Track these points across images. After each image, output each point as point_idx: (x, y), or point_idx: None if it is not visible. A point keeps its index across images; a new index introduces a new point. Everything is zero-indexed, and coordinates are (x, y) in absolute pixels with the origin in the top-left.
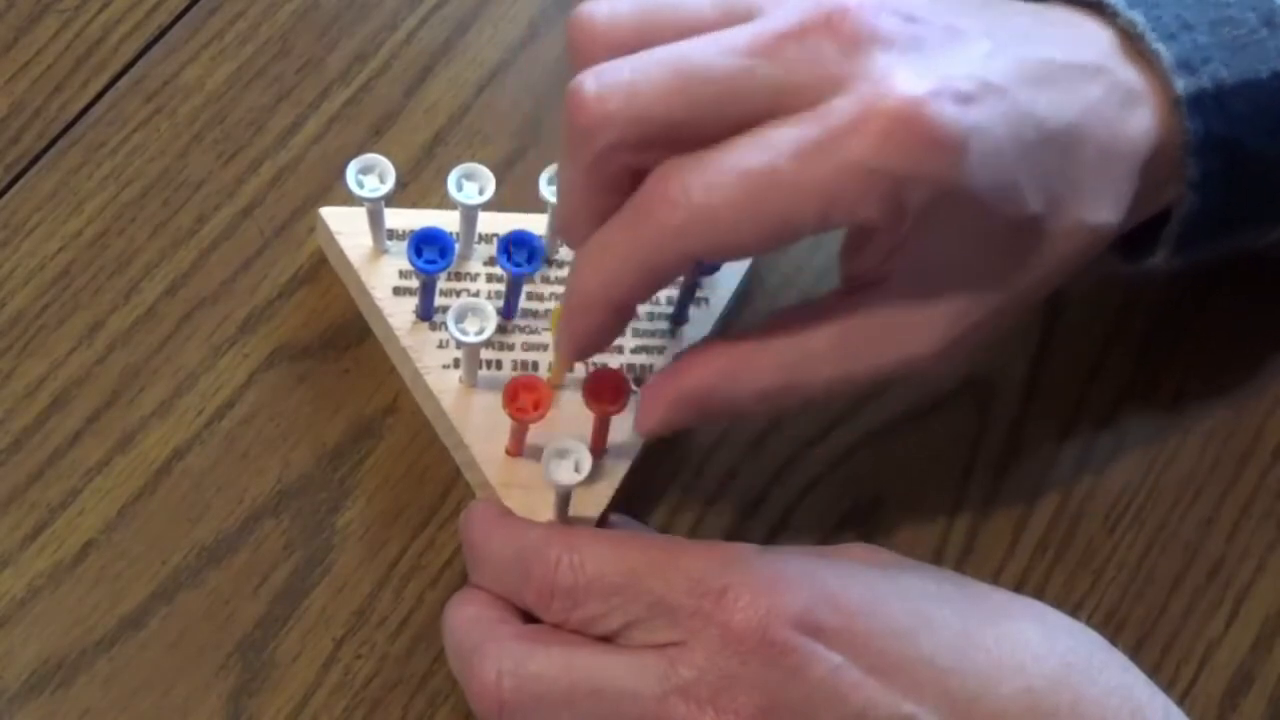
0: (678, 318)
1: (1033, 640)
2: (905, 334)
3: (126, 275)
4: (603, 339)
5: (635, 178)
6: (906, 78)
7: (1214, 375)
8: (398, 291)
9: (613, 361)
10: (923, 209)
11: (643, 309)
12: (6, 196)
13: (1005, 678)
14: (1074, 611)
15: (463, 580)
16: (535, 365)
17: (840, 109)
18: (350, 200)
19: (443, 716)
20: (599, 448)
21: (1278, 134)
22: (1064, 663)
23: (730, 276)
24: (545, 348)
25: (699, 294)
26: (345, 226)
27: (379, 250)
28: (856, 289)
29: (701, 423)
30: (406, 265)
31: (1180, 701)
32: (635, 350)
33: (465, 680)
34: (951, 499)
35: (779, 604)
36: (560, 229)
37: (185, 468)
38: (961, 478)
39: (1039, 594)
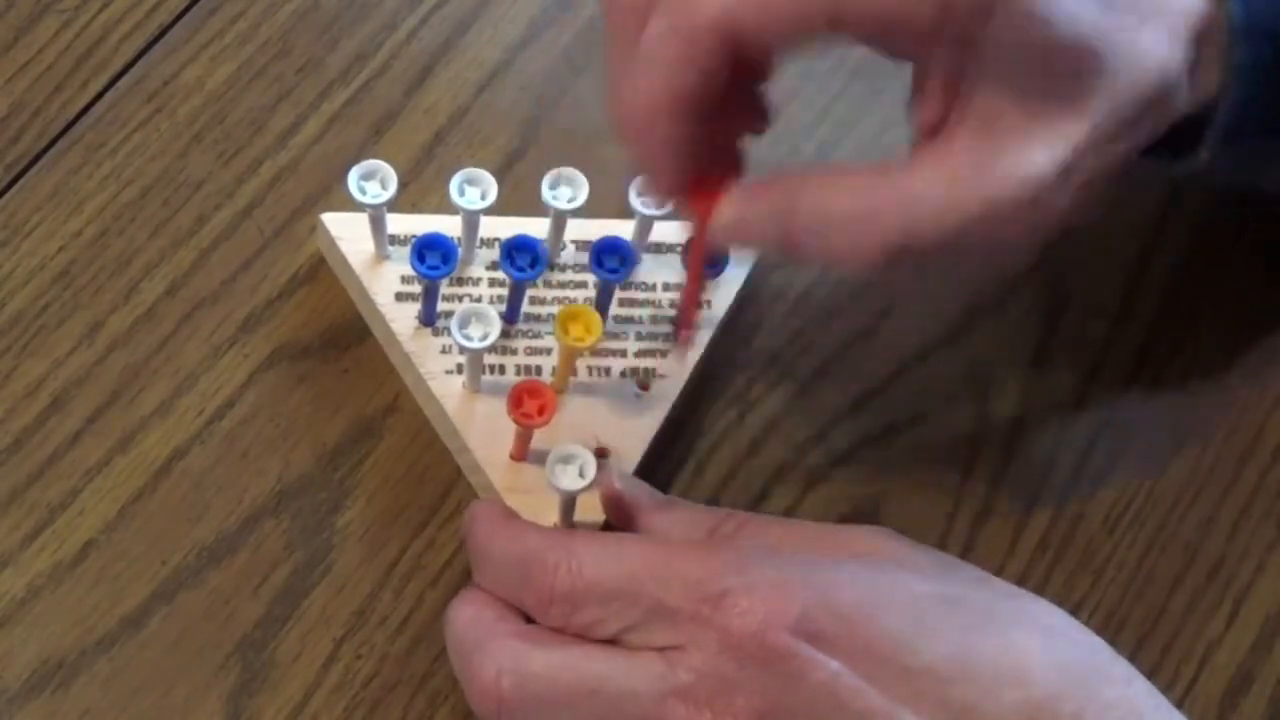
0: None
1: (1036, 650)
2: (1007, 158)
3: (126, 275)
4: (676, 154)
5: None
6: None
7: (1214, 375)
8: (400, 297)
9: (616, 365)
10: (971, 13)
11: (645, 312)
12: (6, 196)
13: (1006, 688)
14: (1074, 611)
15: (463, 580)
16: (539, 370)
17: None
18: (350, 201)
19: (443, 716)
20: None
21: None
22: (1067, 674)
23: (733, 280)
24: (549, 352)
25: (701, 297)
26: (346, 232)
27: (381, 256)
28: (932, 136)
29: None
30: (408, 271)
31: (1180, 701)
32: (639, 354)
33: (465, 679)
34: (951, 499)
35: (777, 609)
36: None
37: (185, 468)
38: (961, 478)
39: (1039, 594)
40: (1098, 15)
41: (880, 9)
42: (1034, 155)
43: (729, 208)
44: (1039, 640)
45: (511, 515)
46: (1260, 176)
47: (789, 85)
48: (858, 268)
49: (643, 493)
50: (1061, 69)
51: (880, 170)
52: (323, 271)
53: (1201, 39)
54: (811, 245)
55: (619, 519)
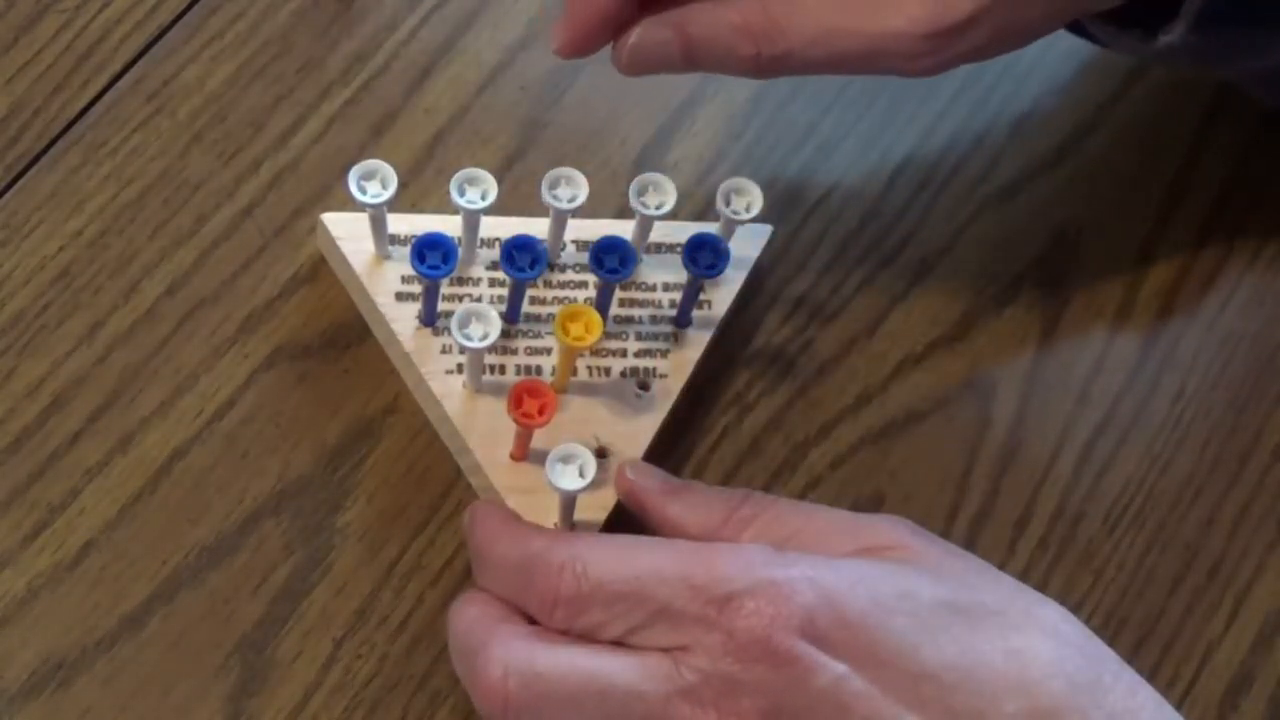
0: (680, 321)
1: (1042, 657)
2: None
3: (126, 275)
4: (604, 22)
5: None
6: None
7: (1214, 375)
8: (400, 297)
9: (616, 365)
10: None
11: (645, 312)
12: (6, 196)
13: (1010, 696)
14: (1074, 611)
15: (463, 579)
16: (539, 369)
17: None
18: (351, 201)
19: (443, 716)
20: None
21: None
22: (1072, 683)
23: (732, 279)
24: (549, 351)
25: (701, 297)
26: (347, 232)
27: (381, 256)
28: None
29: (673, 63)
30: (409, 271)
31: (1180, 701)
32: (639, 354)
33: (470, 679)
34: (951, 499)
35: (783, 612)
36: None
37: (185, 468)
38: (961, 478)
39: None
40: None
41: None
42: (922, 5)
43: (633, 37)
44: (1046, 648)
45: (514, 517)
46: (1228, 64)
47: (787, 86)
48: (743, 73)
49: (656, 480)
50: None
51: None
52: (323, 271)
53: None
54: (706, 56)
55: (634, 508)
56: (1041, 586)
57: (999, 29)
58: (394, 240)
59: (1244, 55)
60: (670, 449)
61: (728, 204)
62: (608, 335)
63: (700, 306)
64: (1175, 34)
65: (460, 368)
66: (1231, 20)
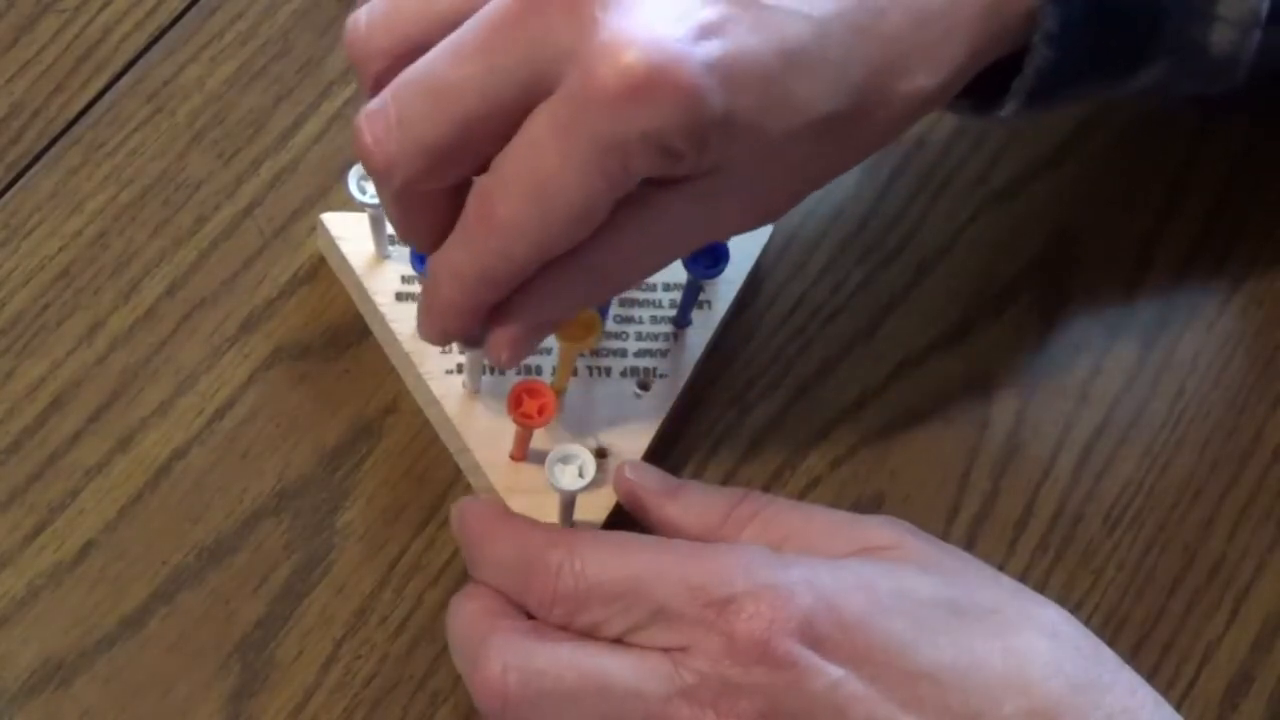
0: (680, 321)
1: (1040, 657)
2: (723, 218)
3: (126, 275)
4: (463, 334)
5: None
6: (631, 32)
7: (1214, 376)
8: (400, 297)
9: (616, 365)
10: (699, 142)
11: (645, 312)
12: (6, 196)
13: (1008, 696)
14: (1074, 611)
15: (463, 579)
16: (539, 369)
17: (577, 84)
18: (351, 201)
19: (443, 716)
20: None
21: None
22: (1070, 683)
23: (732, 279)
24: (549, 352)
25: (701, 297)
26: (346, 232)
27: (381, 256)
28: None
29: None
30: (408, 271)
31: (1180, 701)
32: (639, 354)
33: (469, 675)
34: (951, 499)
35: (782, 615)
36: (403, 242)
37: (185, 468)
38: (961, 478)
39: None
40: (837, 85)
41: (625, 183)
42: (754, 212)
43: (505, 356)
44: (1043, 647)
45: (505, 512)
46: (1075, 105)
47: None
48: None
49: (654, 480)
50: (805, 139)
51: (599, 248)
52: (323, 271)
53: (995, 9)
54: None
55: (633, 508)
56: (1041, 587)
57: (828, 180)
58: (394, 240)
59: (1088, 100)
60: (670, 449)
61: None
62: (608, 335)
63: (700, 306)
64: (1009, 109)
65: (460, 368)
66: (1063, 87)
